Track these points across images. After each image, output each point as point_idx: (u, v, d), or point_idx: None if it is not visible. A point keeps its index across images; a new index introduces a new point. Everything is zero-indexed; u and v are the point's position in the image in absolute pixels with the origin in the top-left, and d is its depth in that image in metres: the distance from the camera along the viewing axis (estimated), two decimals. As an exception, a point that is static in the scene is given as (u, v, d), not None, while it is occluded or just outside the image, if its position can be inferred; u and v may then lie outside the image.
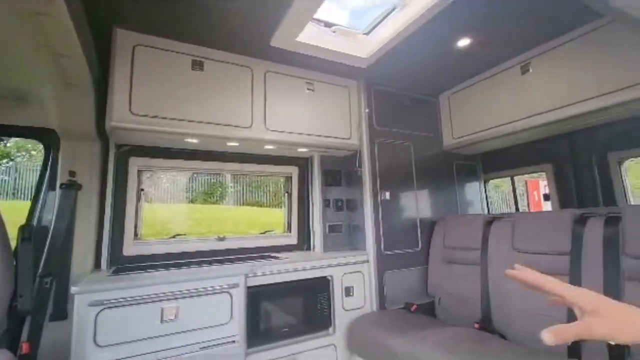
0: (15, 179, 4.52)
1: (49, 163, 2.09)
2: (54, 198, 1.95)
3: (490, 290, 2.22)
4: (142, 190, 2.38)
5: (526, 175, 5.14)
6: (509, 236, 2.21)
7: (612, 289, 1.66)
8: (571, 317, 1.82)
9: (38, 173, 2.12)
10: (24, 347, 1.60)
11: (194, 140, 2.23)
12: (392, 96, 2.94)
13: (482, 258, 2.33)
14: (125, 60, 1.91)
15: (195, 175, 3.11)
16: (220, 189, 3.64)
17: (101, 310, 1.44)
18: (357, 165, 2.76)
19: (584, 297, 0.56)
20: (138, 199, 2.33)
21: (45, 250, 1.78)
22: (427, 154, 3.03)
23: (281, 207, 3.04)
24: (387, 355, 1.94)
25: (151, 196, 2.70)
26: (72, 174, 1.98)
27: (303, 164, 2.97)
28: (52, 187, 2.03)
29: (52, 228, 1.82)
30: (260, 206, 3.77)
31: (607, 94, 1.98)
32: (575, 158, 2.82)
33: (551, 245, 1.97)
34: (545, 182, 3.23)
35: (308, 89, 2.58)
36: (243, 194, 3.80)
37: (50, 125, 2.00)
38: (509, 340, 2.00)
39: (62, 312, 1.83)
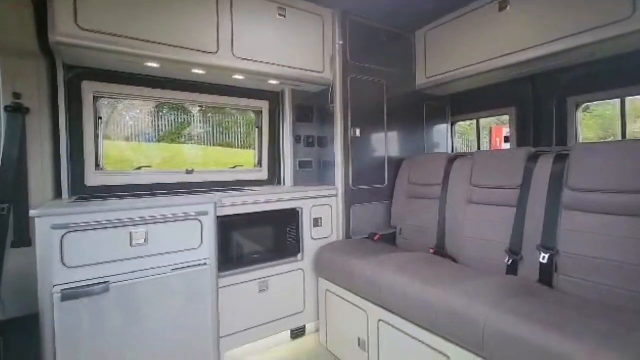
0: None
1: (-12, 83, 1.87)
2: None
3: (446, 221, 2.41)
4: (101, 118, 2.23)
5: (492, 122, 5.33)
6: (469, 173, 2.35)
7: (551, 217, 1.85)
8: (514, 241, 2.03)
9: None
10: (-13, 271, 1.59)
11: (155, 65, 2.06)
12: (368, 29, 2.81)
13: (442, 193, 2.49)
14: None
15: (161, 113, 2.93)
16: (188, 129, 3.50)
17: (66, 234, 1.43)
18: (329, 101, 2.72)
19: None
20: (96, 127, 2.19)
21: None
22: (400, 92, 3.02)
23: (253, 148, 2.99)
24: (350, 277, 2.12)
25: (114, 134, 2.54)
26: (17, 95, 1.80)
27: (274, 98, 2.88)
28: None
29: (1, 153, 1.70)
30: (232, 147, 3.72)
31: (585, 32, 2.00)
32: (537, 101, 2.93)
33: (505, 180, 2.13)
34: (508, 130, 3.38)
35: (279, 15, 2.40)
36: (213, 135, 3.69)
37: None
38: (459, 263, 2.23)
39: (24, 239, 1.79)
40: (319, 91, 2.81)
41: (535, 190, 1.97)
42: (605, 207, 1.67)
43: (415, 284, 1.74)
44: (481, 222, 2.18)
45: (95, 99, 2.18)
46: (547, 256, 1.80)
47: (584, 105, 2.78)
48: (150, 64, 2.05)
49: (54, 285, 1.40)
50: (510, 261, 1.96)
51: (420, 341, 1.70)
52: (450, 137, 3.54)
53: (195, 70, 2.21)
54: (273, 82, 2.56)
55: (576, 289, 1.69)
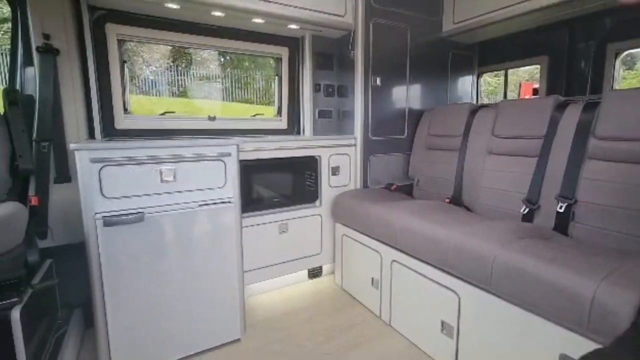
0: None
1: (19, 26, 1.92)
2: (32, 73, 1.86)
3: (464, 172, 2.41)
4: (125, 62, 2.28)
5: (522, 78, 5.03)
6: (491, 123, 2.30)
7: (574, 166, 1.82)
8: (532, 191, 1.99)
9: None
10: (33, 200, 1.75)
11: (174, 6, 2.05)
12: None
13: (462, 144, 2.46)
14: None
15: (180, 68, 2.95)
16: (207, 84, 3.53)
17: (103, 167, 1.54)
18: (350, 47, 2.64)
19: None
20: (122, 71, 2.25)
21: (36, 116, 1.79)
22: (424, 39, 2.89)
23: (271, 104, 3.00)
24: (365, 220, 2.21)
25: (135, 89, 2.60)
26: (46, 37, 1.85)
27: (294, 45, 2.82)
28: (28, 62, 1.91)
29: (37, 93, 1.80)
30: (251, 103, 3.75)
31: None
32: (573, 49, 2.75)
33: (528, 129, 2.08)
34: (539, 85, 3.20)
35: (300, -49, 2.28)
36: (232, 91, 3.72)
37: None
38: (473, 212, 2.27)
39: (65, 175, 1.94)
40: (340, 37, 2.72)
41: (560, 139, 1.92)
42: (630, 155, 1.63)
43: (429, 226, 1.80)
44: (500, 172, 2.17)
45: (120, 42, 2.22)
46: (564, 205, 1.80)
47: (624, 55, 2.59)
48: (169, 5, 2.04)
49: (96, 213, 1.55)
50: (527, 210, 1.97)
51: (430, 279, 1.80)
52: (476, 88, 3.41)
53: (215, 13, 2.18)
54: (293, 26, 2.50)
55: (589, 236, 1.71)
